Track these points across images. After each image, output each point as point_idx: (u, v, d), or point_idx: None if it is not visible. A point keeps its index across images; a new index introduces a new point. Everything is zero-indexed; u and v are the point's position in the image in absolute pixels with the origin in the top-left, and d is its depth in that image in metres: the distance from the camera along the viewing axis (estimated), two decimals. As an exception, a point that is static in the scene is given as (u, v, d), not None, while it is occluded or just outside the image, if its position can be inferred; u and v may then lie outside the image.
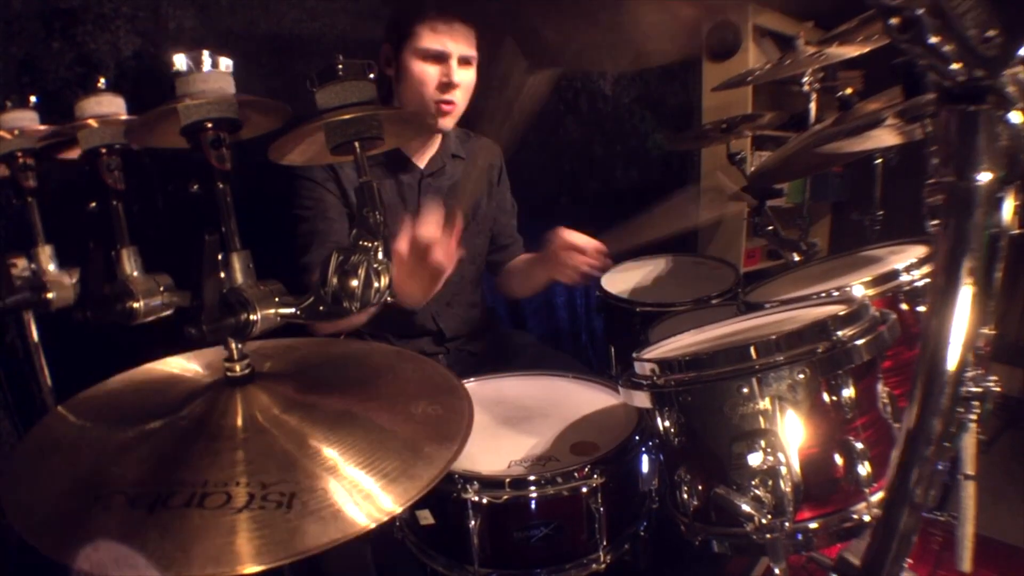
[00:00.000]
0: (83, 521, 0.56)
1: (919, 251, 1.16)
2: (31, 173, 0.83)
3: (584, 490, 0.97)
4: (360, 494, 0.59)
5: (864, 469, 0.80)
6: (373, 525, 0.56)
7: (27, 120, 0.84)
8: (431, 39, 1.37)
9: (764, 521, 0.77)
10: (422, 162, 1.54)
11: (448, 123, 1.46)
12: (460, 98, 1.43)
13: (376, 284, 0.66)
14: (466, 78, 1.43)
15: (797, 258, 1.68)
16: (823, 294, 1.06)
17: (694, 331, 1.12)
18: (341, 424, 0.68)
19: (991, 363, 0.73)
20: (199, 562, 0.52)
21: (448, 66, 1.38)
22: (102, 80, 0.78)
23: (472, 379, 1.35)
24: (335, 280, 0.65)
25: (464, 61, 1.41)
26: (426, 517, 1.02)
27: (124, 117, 0.77)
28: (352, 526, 0.56)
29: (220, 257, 0.64)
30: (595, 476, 0.97)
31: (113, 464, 0.63)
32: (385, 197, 1.46)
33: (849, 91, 1.45)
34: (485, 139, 1.68)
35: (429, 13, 1.38)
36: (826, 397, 0.82)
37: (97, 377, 0.81)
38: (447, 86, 1.39)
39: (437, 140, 1.55)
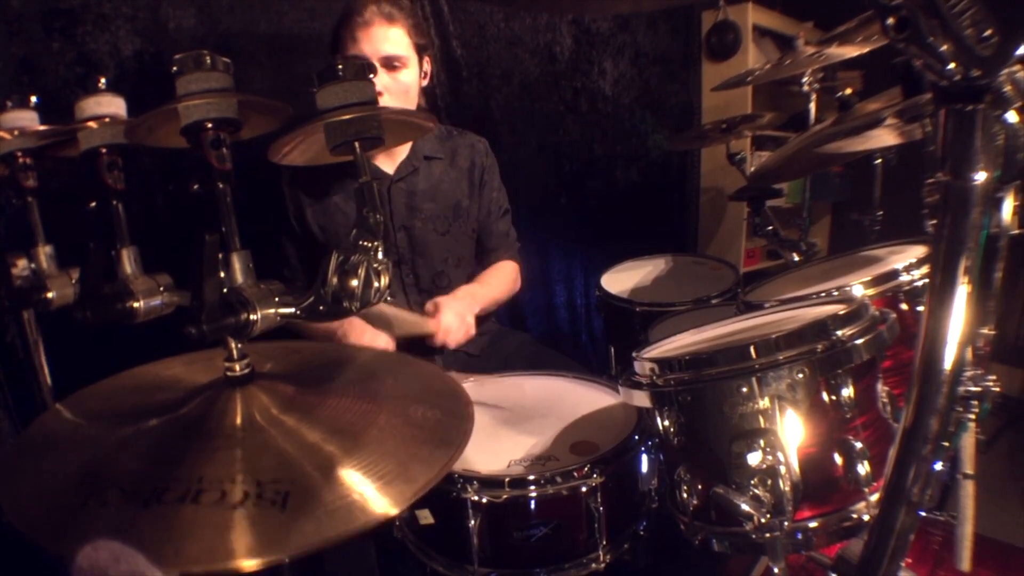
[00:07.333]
0: (79, 515, 0.56)
1: (919, 251, 1.16)
2: (31, 173, 0.83)
3: (584, 489, 0.97)
4: (356, 495, 0.58)
5: (863, 468, 0.80)
6: (368, 527, 0.56)
7: (27, 120, 0.84)
8: (351, 47, 1.36)
9: (763, 520, 0.77)
10: (390, 167, 1.51)
11: None
12: (390, 103, 1.37)
13: (376, 284, 0.66)
14: (388, 81, 1.38)
15: (797, 258, 1.68)
16: (823, 294, 1.06)
17: (694, 331, 1.12)
18: (339, 425, 0.68)
19: (991, 363, 0.73)
20: (191, 557, 0.52)
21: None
22: (102, 80, 0.78)
23: (472, 379, 1.35)
24: (335, 280, 0.65)
25: (388, 64, 1.37)
26: (426, 517, 1.02)
27: (124, 117, 0.77)
28: (347, 527, 0.55)
29: (220, 257, 0.64)
30: (595, 476, 0.97)
31: (110, 459, 0.63)
32: (350, 208, 1.44)
33: (849, 91, 1.45)
34: (470, 136, 1.63)
35: (348, 21, 1.36)
36: (825, 396, 0.82)
37: (97, 377, 0.81)
38: None
39: (407, 144, 1.51)
